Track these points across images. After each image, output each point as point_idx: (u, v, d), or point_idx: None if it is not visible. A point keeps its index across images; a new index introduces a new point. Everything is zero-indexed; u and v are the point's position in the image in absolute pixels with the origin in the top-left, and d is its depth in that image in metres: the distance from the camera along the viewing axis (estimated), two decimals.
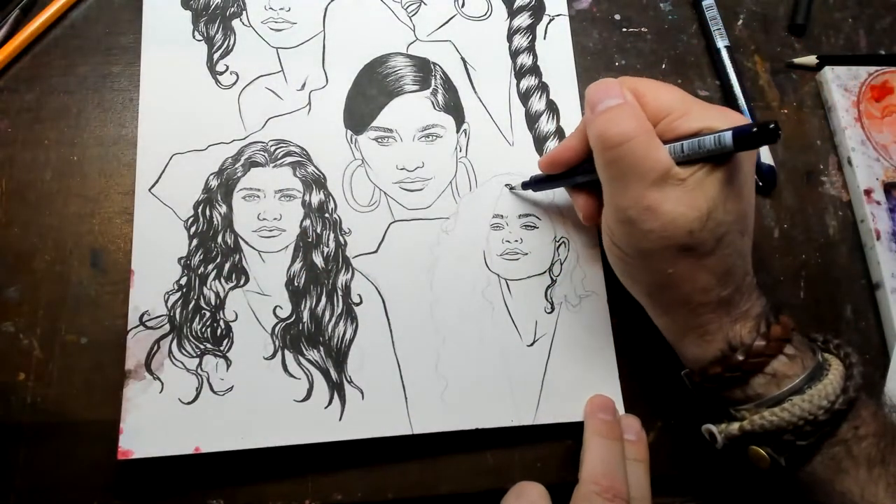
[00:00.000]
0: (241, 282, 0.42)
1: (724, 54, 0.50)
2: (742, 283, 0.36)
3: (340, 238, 0.43)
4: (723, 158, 0.34)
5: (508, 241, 0.44)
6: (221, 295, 0.41)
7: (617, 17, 0.52)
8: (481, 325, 0.43)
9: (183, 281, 0.41)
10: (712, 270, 0.35)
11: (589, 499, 0.36)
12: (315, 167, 0.44)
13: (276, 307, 0.41)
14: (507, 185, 0.45)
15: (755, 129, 0.32)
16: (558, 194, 0.46)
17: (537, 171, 0.44)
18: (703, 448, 0.39)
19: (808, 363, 0.36)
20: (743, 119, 0.35)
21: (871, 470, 0.35)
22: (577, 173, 0.41)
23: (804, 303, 0.47)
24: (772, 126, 0.31)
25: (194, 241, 0.42)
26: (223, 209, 0.43)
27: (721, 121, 0.35)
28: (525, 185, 0.44)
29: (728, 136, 0.33)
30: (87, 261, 0.42)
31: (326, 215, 0.43)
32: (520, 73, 0.48)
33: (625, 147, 0.34)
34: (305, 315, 0.41)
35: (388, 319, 0.42)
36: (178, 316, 0.40)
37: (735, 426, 0.36)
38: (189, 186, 0.43)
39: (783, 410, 0.34)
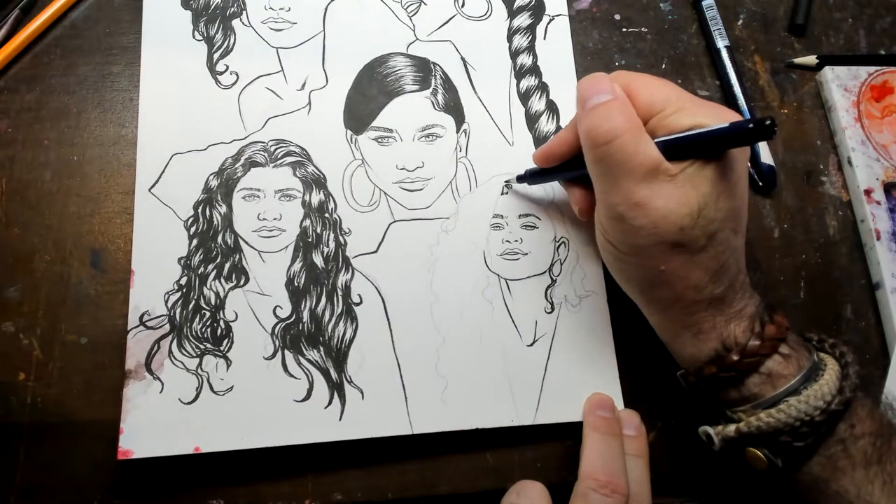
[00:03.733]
0: (241, 282, 0.42)
1: (724, 54, 0.50)
2: (735, 281, 0.36)
3: (340, 238, 0.43)
4: (714, 155, 0.34)
5: (508, 241, 0.45)
6: (221, 295, 0.41)
7: (617, 17, 0.52)
8: (481, 325, 0.43)
9: (183, 281, 0.41)
10: (705, 267, 0.35)
11: (587, 495, 0.36)
12: (315, 167, 0.44)
13: (276, 307, 0.41)
14: (505, 182, 0.45)
15: (751, 126, 0.32)
16: (558, 194, 0.46)
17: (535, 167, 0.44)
18: (702, 448, 0.39)
19: (803, 363, 0.36)
20: (737, 116, 0.35)
21: (867, 469, 0.35)
22: (570, 167, 0.41)
23: (804, 303, 0.47)
24: (767, 122, 0.31)
25: (194, 241, 0.42)
26: (223, 209, 0.43)
27: (715, 118, 0.34)
28: (520, 179, 0.44)
29: (723, 133, 0.33)
30: (87, 261, 0.42)
31: (326, 215, 0.43)
32: (520, 73, 0.48)
33: (614, 144, 0.34)
34: (305, 315, 0.41)
35: (388, 319, 0.42)
36: (178, 316, 0.40)
37: (731, 428, 0.36)
38: (189, 186, 0.43)
39: (779, 412, 0.34)
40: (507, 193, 0.45)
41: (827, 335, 0.39)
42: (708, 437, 0.38)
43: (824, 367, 0.36)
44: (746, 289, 0.37)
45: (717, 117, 0.35)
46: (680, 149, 0.34)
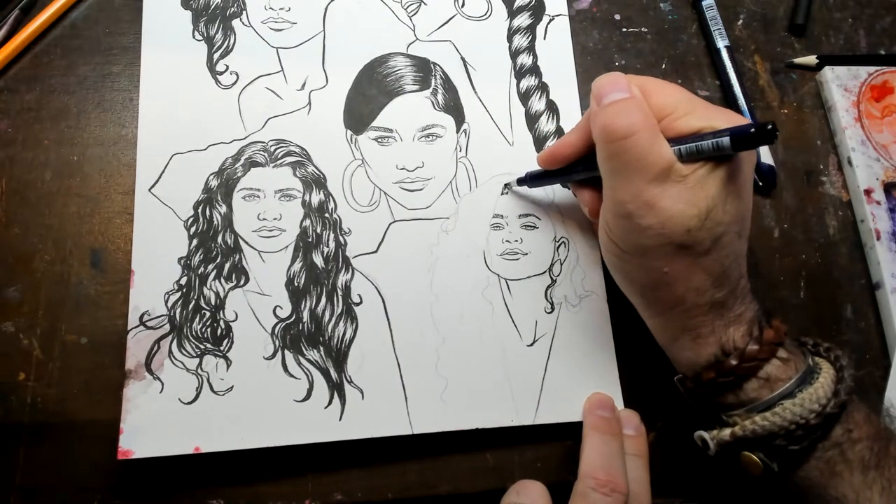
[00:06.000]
0: (241, 282, 0.42)
1: (724, 54, 0.50)
2: (737, 286, 0.36)
3: (340, 238, 0.43)
4: (724, 158, 0.34)
5: (508, 241, 0.45)
6: (221, 295, 0.41)
7: (617, 17, 0.52)
8: (481, 325, 0.43)
9: (183, 281, 0.41)
10: (708, 271, 0.35)
11: (587, 494, 0.36)
12: (315, 167, 0.44)
13: (276, 307, 0.41)
14: (504, 184, 0.45)
15: (753, 130, 0.32)
16: (558, 194, 0.46)
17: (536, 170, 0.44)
18: (701, 450, 0.39)
19: (799, 367, 0.36)
20: (744, 120, 0.35)
21: (865, 474, 0.34)
22: (575, 170, 0.41)
23: (804, 303, 0.47)
24: (769, 127, 0.31)
25: (194, 241, 0.42)
26: (223, 209, 0.43)
27: (725, 121, 0.34)
28: (521, 182, 0.44)
29: (726, 137, 0.33)
30: (87, 261, 0.42)
31: (326, 215, 0.43)
32: (520, 73, 0.48)
33: (629, 140, 0.34)
34: (305, 315, 0.41)
35: (388, 319, 0.42)
36: (178, 316, 0.40)
37: (727, 432, 0.36)
38: (189, 186, 0.43)
39: (774, 415, 0.34)
40: (507, 193, 0.45)
41: (822, 339, 0.39)
42: (703, 441, 0.38)
43: (819, 371, 0.36)
44: (747, 294, 0.37)
45: (727, 121, 0.35)
46: (692, 151, 0.34)
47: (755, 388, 0.35)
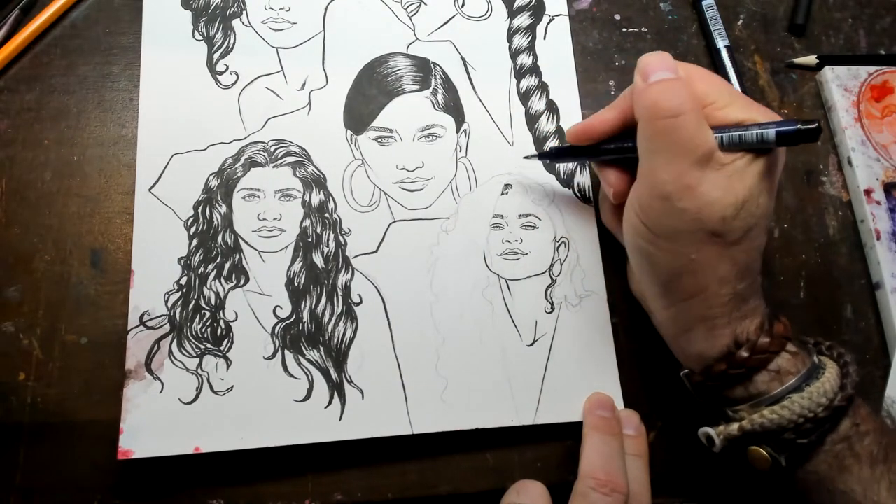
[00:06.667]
0: (241, 282, 0.42)
1: (724, 54, 0.50)
2: (755, 280, 0.36)
3: (340, 238, 0.43)
4: (762, 151, 0.35)
5: (508, 241, 0.45)
6: (221, 295, 0.41)
7: (617, 17, 0.52)
8: (481, 325, 0.43)
9: (183, 281, 0.41)
10: (735, 262, 0.35)
11: (587, 494, 0.36)
12: (315, 167, 0.44)
13: (276, 307, 0.41)
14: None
15: (800, 127, 0.33)
16: (558, 194, 0.46)
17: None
18: (702, 449, 0.39)
19: (806, 361, 0.36)
20: (780, 118, 0.36)
21: (873, 468, 0.35)
22: (605, 147, 0.40)
23: (804, 303, 0.47)
24: (815, 126, 0.32)
25: (194, 241, 0.42)
26: (223, 209, 0.43)
27: (763, 116, 0.35)
28: (543, 155, 0.44)
29: (772, 130, 0.33)
30: (87, 261, 0.42)
31: (326, 215, 0.43)
32: (520, 73, 0.48)
33: (677, 119, 0.34)
34: (305, 315, 0.41)
35: (388, 319, 0.42)
36: (178, 316, 0.40)
37: (734, 426, 0.36)
38: (189, 186, 0.43)
39: (783, 408, 0.34)
40: (507, 193, 0.45)
41: (824, 338, 0.39)
42: (708, 438, 0.37)
43: (824, 367, 0.36)
44: (759, 290, 0.37)
45: (766, 116, 0.35)
46: (734, 140, 0.35)
47: (765, 380, 0.35)
